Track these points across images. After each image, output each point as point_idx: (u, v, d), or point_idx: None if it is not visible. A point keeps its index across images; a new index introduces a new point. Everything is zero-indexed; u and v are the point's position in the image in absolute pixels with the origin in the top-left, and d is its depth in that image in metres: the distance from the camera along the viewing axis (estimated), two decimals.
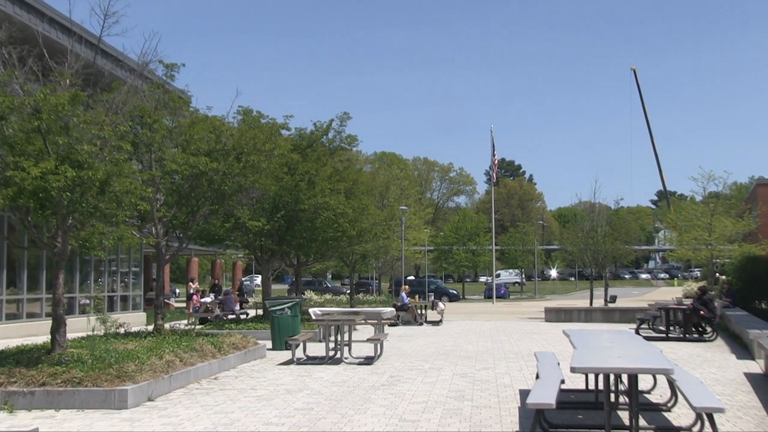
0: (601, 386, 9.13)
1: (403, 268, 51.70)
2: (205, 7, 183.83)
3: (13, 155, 10.84)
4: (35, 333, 20.03)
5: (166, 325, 16.77)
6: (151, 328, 16.20)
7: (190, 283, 32.15)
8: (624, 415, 8.71)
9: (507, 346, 18.16)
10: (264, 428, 8.49)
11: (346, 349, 15.30)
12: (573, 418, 8.94)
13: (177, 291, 38.55)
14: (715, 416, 7.23)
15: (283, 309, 17.42)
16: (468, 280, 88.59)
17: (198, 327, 20.75)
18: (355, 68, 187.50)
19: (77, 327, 20.22)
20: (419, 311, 27.58)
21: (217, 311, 25.24)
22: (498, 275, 70.17)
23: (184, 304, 35.75)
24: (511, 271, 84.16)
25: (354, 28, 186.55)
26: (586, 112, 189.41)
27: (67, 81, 11.95)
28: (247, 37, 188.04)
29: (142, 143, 15.33)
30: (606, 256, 32.21)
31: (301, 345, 15.48)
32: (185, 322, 24.49)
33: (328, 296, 46.72)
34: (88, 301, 24.98)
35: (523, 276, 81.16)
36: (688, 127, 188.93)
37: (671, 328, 20.21)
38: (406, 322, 26.64)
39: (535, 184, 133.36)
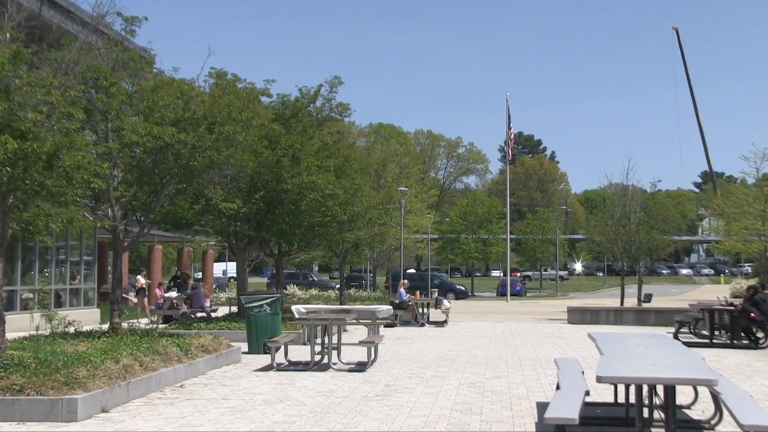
0: (632, 399, 9.15)
1: (401, 260, 51.78)
2: None
3: None
4: None
5: (124, 324, 16.78)
6: (106, 327, 16.21)
7: (139, 277, 32.19)
8: None
9: (523, 352, 18.22)
10: None
11: (334, 353, 15.32)
12: None
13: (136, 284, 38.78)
14: None
15: (261, 306, 17.43)
16: (478, 274, 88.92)
17: (161, 326, 20.77)
18: (348, 26, 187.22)
19: (18, 325, 20.21)
20: (420, 310, 27.66)
21: (184, 308, 25.27)
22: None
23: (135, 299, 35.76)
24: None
25: None
26: (619, 79, 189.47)
27: (8, 35, 11.89)
28: None
29: (97, 110, 15.27)
30: (640, 248, 32.28)
31: (282, 348, 15.49)
32: (145, 320, 24.49)
33: (314, 291, 46.95)
34: (31, 295, 24.97)
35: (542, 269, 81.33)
36: (739, 98, 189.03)
37: (716, 332, 20.25)
38: (405, 323, 26.71)
39: (558, 162, 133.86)
